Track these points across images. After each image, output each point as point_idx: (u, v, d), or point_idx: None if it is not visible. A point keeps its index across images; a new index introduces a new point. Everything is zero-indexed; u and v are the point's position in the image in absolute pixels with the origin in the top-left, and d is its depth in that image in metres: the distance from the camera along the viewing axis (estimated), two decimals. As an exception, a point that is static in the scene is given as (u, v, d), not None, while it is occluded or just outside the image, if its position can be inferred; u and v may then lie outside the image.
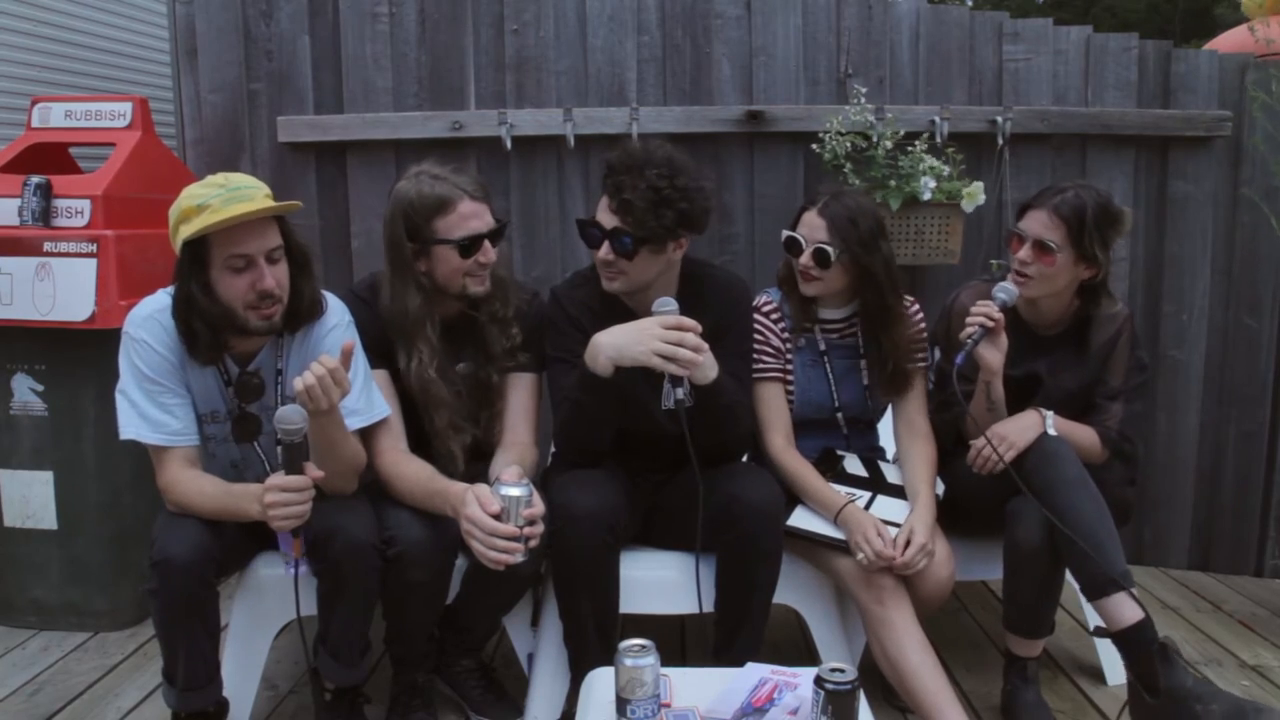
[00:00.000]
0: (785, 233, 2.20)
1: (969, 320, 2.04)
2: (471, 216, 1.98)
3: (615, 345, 1.87)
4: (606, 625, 1.96)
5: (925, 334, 2.27)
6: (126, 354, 1.83)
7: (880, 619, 1.97)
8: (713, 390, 1.92)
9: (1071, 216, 2.05)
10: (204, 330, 1.79)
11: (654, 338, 1.84)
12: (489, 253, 2.01)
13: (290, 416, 1.66)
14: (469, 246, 1.97)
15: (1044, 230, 2.08)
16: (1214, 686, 1.89)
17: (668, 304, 1.91)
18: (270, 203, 1.78)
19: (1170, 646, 1.89)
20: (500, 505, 1.74)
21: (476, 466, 2.09)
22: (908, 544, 1.96)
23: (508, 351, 2.09)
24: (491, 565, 1.75)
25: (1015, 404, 2.14)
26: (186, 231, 1.73)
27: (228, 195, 1.73)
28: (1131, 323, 2.22)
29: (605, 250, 1.97)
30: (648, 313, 1.93)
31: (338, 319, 1.97)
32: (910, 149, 2.76)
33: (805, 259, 2.14)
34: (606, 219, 1.96)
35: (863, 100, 2.82)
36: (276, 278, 1.80)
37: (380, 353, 2.04)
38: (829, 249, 2.10)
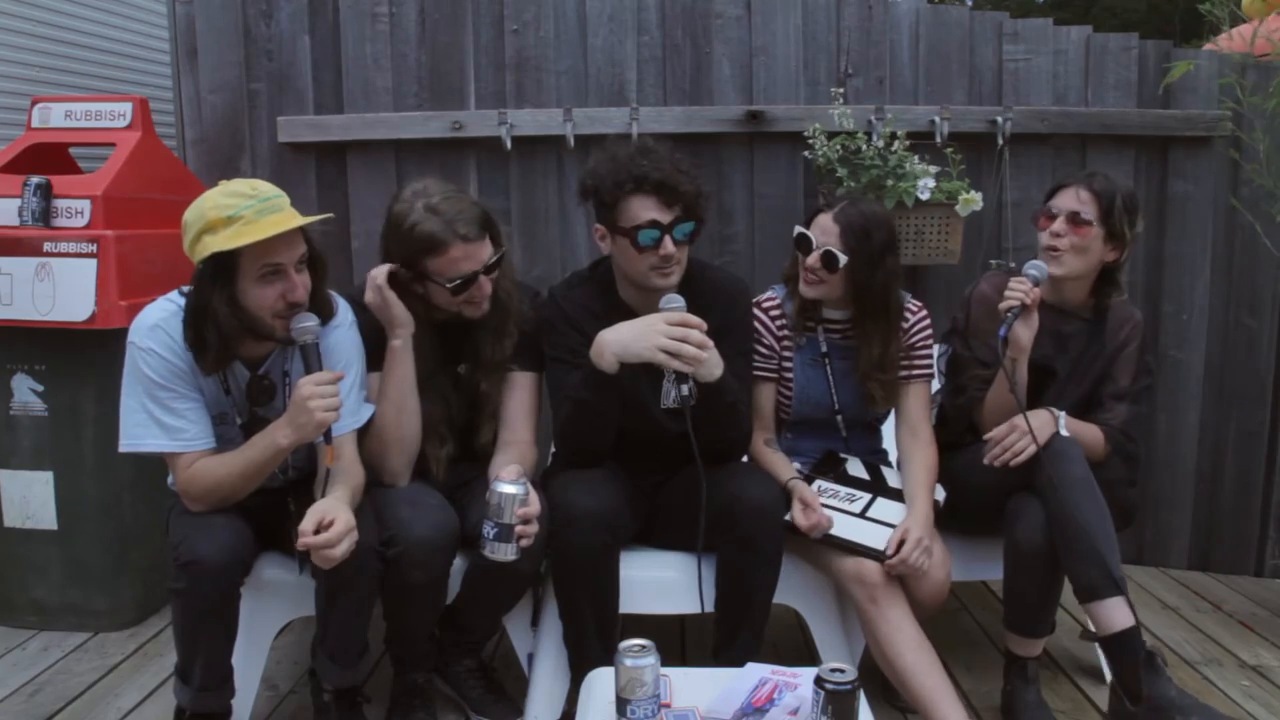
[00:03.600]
0: (797, 229, 2.19)
1: (1008, 294, 2.05)
2: (463, 259, 1.95)
3: (621, 342, 1.87)
4: (606, 625, 1.96)
5: (929, 342, 2.26)
6: (134, 364, 1.81)
7: (875, 618, 1.97)
8: (717, 389, 1.92)
9: (1104, 192, 2.11)
10: (216, 341, 1.78)
11: (659, 334, 1.84)
12: (484, 287, 1.99)
13: (306, 323, 1.78)
14: (461, 286, 1.97)
15: (1078, 204, 2.12)
16: (1195, 699, 1.89)
17: (674, 300, 1.91)
18: (294, 212, 1.78)
19: (1157, 656, 1.89)
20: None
21: (466, 468, 2.10)
22: (901, 543, 1.97)
23: (498, 361, 2.08)
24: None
25: (1028, 393, 2.14)
26: (216, 244, 1.71)
27: (260, 206, 1.72)
28: (1143, 328, 2.25)
29: (668, 245, 1.94)
30: (650, 312, 1.93)
31: (342, 318, 1.97)
32: (892, 151, 2.76)
33: (813, 259, 2.13)
34: (661, 215, 1.94)
35: (841, 102, 2.82)
36: (304, 285, 1.81)
37: (376, 356, 2.03)
38: (838, 254, 2.09)
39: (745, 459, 2.18)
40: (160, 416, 1.80)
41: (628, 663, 1.42)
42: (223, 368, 1.85)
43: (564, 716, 2.03)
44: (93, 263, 2.45)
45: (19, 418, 2.58)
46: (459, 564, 1.99)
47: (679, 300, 1.91)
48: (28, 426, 2.58)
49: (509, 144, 2.92)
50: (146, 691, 2.28)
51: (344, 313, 1.99)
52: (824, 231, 2.12)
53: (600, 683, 1.57)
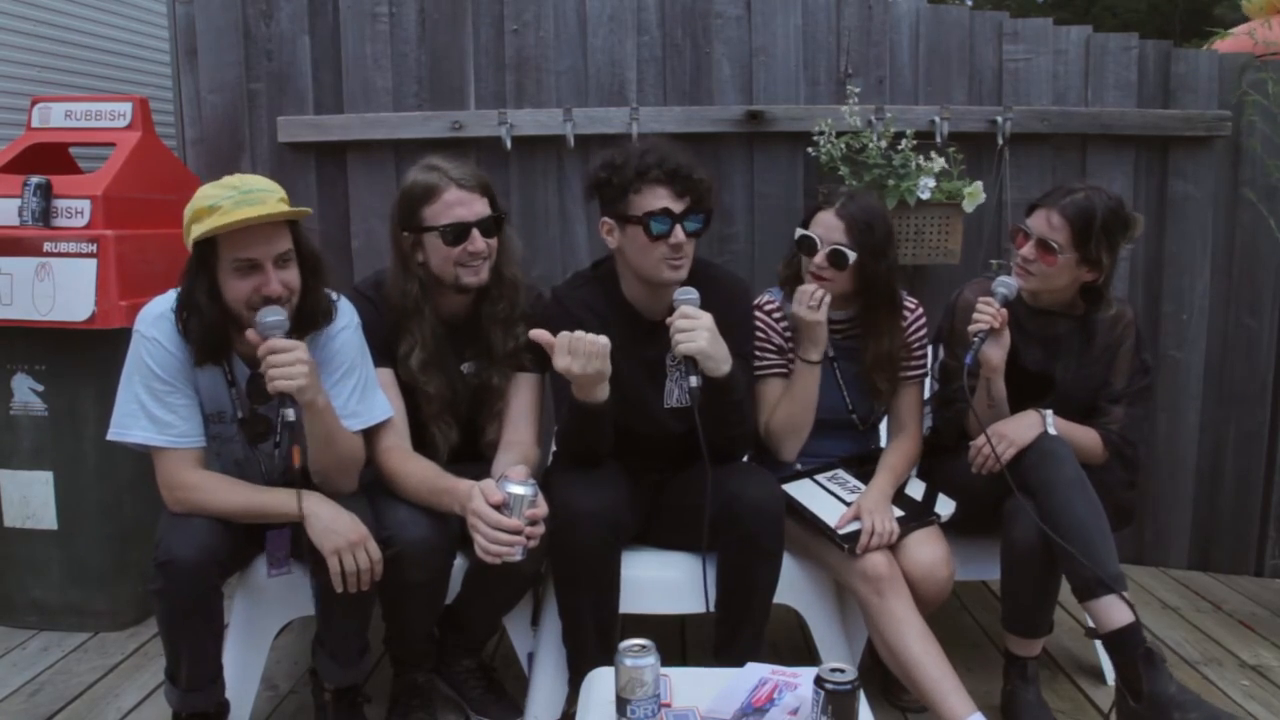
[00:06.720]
0: (800, 231, 2.18)
1: (975, 317, 2.05)
2: (457, 204, 1.98)
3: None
4: (606, 625, 1.96)
5: (924, 341, 2.28)
6: (137, 353, 1.82)
7: (879, 610, 1.97)
8: (725, 385, 1.92)
9: (1077, 219, 2.04)
10: (200, 330, 1.79)
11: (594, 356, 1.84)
12: (477, 242, 1.99)
13: (270, 317, 1.73)
14: (454, 235, 1.97)
15: (1049, 230, 2.07)
16: (1195, 696, 1.89)
17: (689, 293, 1.92)
18: (282, 207, 1.77)
19: (1156, 653, 1.89)
20: (503, 497, 1.75)
21: (467, 468, 2.09)
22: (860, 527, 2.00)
23: (510, 353, 2.08)
24: (489, 559, 1.75)
25: (1026, 400, 2.14)
26: (196, 231, 1.73)
27: (239, 198, 1.73)
28: (1136, 325, 2.22)
29: (679, 234, 1.95)
30: (654, 312, 1.93)
31: (346, 321, 1.97)
32: (899, 149, 2.76)
33: (820, 259, 2.12)
34: (674, 204, 1.94)
35: (854, 101, 2.82)
36: (284, 281, 1.79)
37: (384, 350, 2.04)
38: (847, 251, 2.09)
39: (746, 458, 2.19)
40: (152, 409, 1.80)
41: (628, 663, 1.42)
42: (214, 360, 1.85)
43: (564, 716, 2.03)
44: (93, 263, 2.45)
45: (19, 418, 2.58)
46: (459, 564, 1.99)
47: (693, 293, 1.92)
48: (28, 426, 2.58)
49: (509, 144, 2.93)
50: (146, 691, 2.29)
51: (348, 315, 1.98)
52: (828, 229, 2.11)
53: (600, 683, 1.56)
